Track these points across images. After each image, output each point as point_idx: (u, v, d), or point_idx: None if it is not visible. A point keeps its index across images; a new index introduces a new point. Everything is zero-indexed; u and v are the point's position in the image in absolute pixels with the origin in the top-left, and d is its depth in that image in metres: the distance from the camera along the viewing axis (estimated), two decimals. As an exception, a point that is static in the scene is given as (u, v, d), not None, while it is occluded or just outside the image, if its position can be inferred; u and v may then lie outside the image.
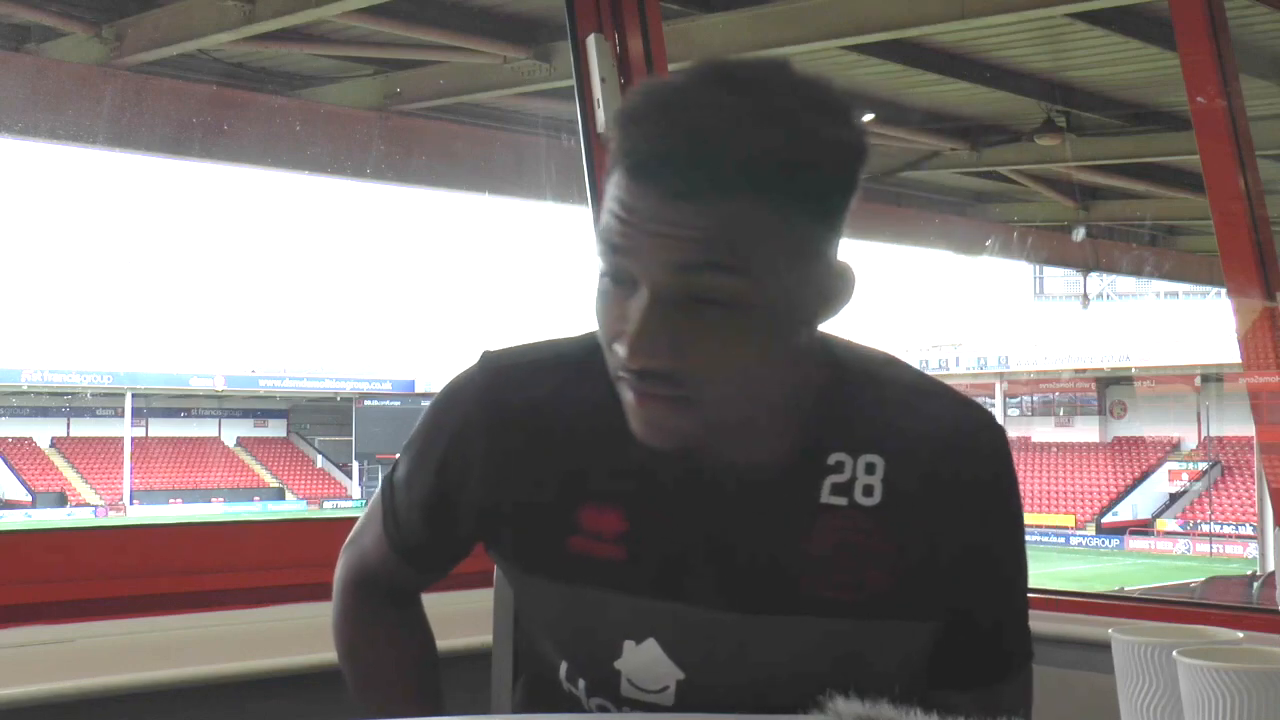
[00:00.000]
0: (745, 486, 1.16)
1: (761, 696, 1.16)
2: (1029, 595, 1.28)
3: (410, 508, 1.27)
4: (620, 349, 1.07)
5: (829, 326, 1.16)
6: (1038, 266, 30.53)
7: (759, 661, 1.16)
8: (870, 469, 1.17)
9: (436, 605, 1.45)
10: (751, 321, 1.06)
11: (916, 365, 1.27)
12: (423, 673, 1.35)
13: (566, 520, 1.18)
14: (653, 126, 1.05)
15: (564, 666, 1.22)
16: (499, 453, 1.20)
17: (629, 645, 1.16)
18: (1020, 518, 1.23)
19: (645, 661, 1.16)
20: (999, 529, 1.21)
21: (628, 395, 1.10)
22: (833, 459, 1.17)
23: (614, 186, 1.07)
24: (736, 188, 1.03)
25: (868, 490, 1.16)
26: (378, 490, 1.33)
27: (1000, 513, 1.21)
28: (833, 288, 1.11)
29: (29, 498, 32.79)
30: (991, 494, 1.20)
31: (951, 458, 1.18)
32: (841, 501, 1.16)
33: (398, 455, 1.31)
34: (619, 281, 1.08)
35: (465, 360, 1.29)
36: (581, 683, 1.21)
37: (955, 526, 1.17)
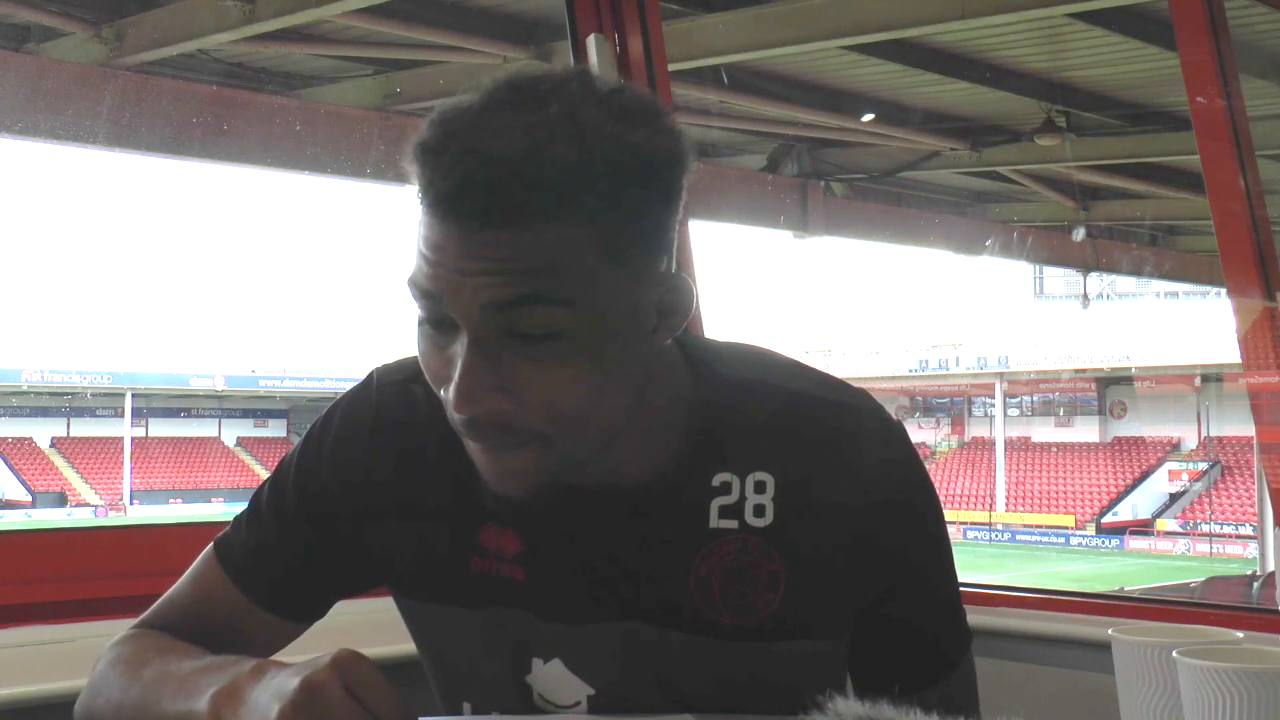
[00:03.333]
0: (632, 510, 1.11)
1: (675, 706, 1.14)
2: (961, 589, 1.23)
3: (284, 539, 1.18)
4: (447, 396, 1.00)
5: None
6: (1038, 266, 30.58)
7: (668, 678, 1.13)
8: (760, 488, 1.11)
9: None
10: (583, 349, 0.98)
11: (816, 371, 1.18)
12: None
13: (468, 541, 1.13)
14: (449, 156, 0.95)
15: (468, 707, 1.19)
16: (393, 474, 1.15)
17: (537, 663, 1.14)
18: (933, 511, 1.17)
19: (554, 678, 1.14)
20: (908, 532, 1.15)
21: (471, 448, 1.03)
22: (718, 479, 1.11)
23: (421, 224, 0.98)
24: (543, 211, 0.95)
25: (759, 510, 1.11)
26: (209, 550, 1.22)
27: (907, 515, 1.14)
28: (669, 302, 1.04)
29: (29, 498, 32.81)
30: (894, 498, 1.13)
31: (847, 469, 1.11)
32: (732, 525, 1.11)
33: (264, 484, 1.21)
34: (438, 326, 1.00)
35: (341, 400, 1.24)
36: (492, 702, 1.17)
37: (859, 540, 1.11)
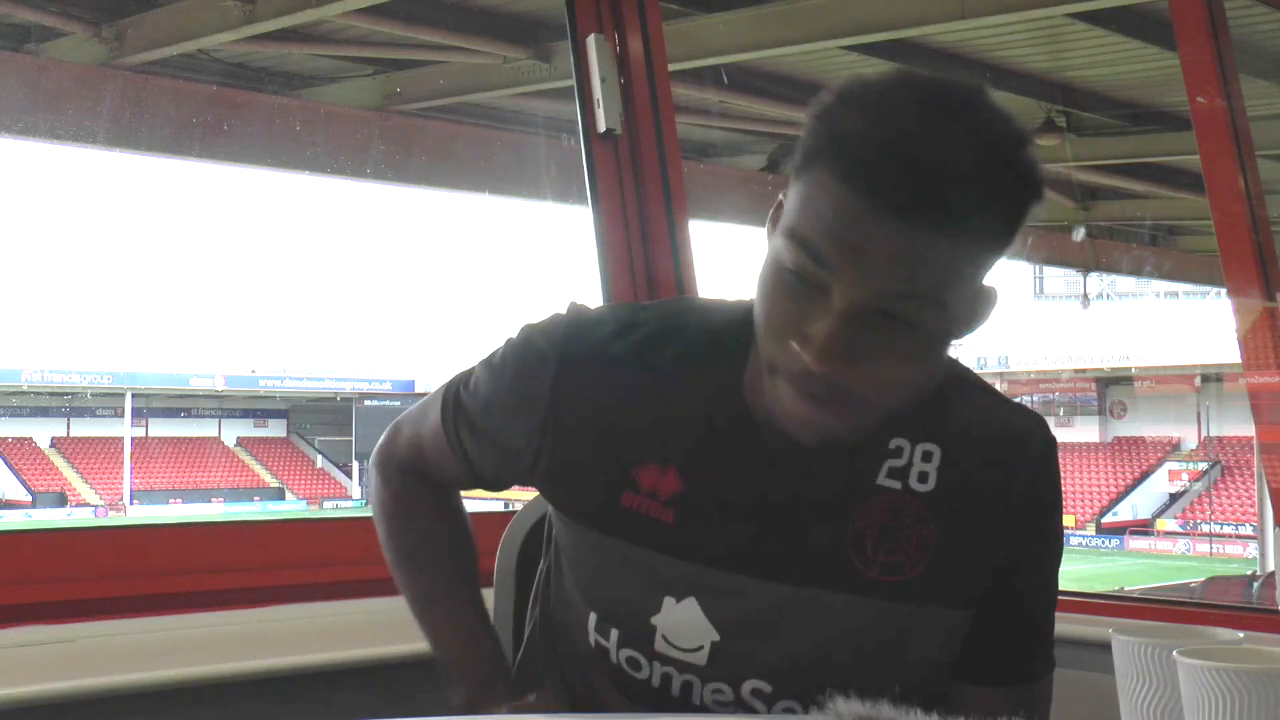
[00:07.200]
0: (805, 462, 1.18)
1: (793, 667, 1.19)
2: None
3: (478, 436, 1.29)
4: (798, 348, 1.08)
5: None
6: (1038, 266, 30.52)
7: (794, 633, 1.19)
8: (927, 457, 1.20)
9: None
10: (929, 341, 1.10)
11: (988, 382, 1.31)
12: (463, 555, 1.40)
13: (624, 475, 1.20)
14: (883, 143, 1.03)
15: (593, 617, 1.24)
16: (567, 402, 1.22)
17: (668, 602, 1.19)
18: (1061, 522, 1.26)
19: (683, 620, 1.19)
20: (1043, 529, 1.25)
21: (788, 391, 1.11)
22: (894, 443, 1.20)
23: (825, 189, 1.05)
24: (964, 223, 1.05)
25: (922, 477, 1.20)
26: (441, 391, 1.33)
27: (1047, 515, 1.24)
28: (979, 309, 1.15)
29: (29, 498, 32.77)
30: (1041, 495, 1.24)
31: (1006, 455, 1.22)
32: (896, 485, 1.20)
33: (472, 369, 1.31)
34: (807, 281, 1.07)
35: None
36: (614, 634, 1.23)
37: (1003, 522, 1.21)
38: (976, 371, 1.31)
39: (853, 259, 1.04)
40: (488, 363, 1.30)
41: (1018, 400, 1.29)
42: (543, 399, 1.23)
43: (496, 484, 1.34)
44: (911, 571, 1.19)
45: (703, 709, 1.21)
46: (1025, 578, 1.24)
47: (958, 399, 1.23)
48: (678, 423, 1.19)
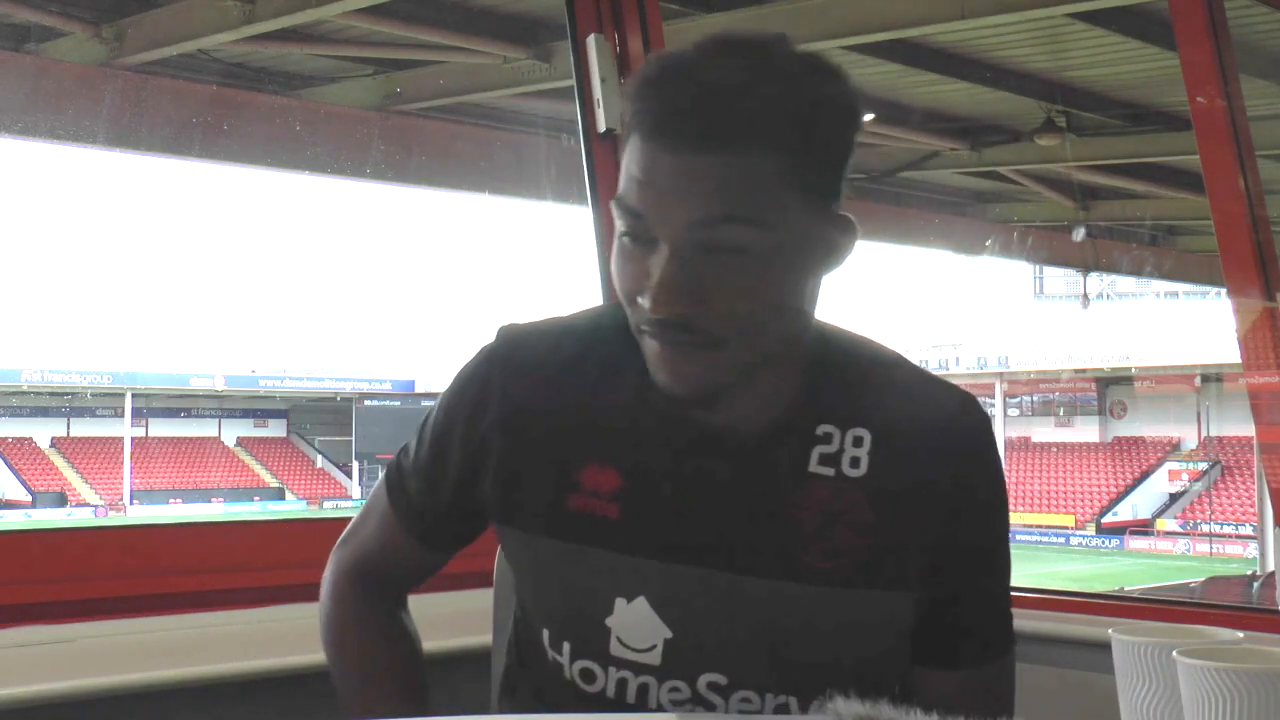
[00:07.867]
0: (737, 451, 1.20)
1: (745, 657, 1.19)
2: (1011, 591, 1.30)
3: (431, 479, 1.30)
4: (643, 301, 1.12)
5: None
6: (1038, 266, 30.56)
7: (742, 624, 1.19)
8: (858, 442, 1.20)
9: (436, 605, 1.45)
10: (765, 268, 1.11)
11: (916, 363, 1.30)
12: (409, 673, 1.35)
13: (568, 479, 1.21)
14: (667, 88, 1.10)
15: (546, 633, 1.25)
16: (511, 415, 1.24)
17: (620, 603, 1.20)
18: (1003, 500, 1.26)
19: (635, 619, 1.19)
20: (981, 508, 1.24)
21: (652, 346, 1.14)
22: (821, 430, 1.20)
23: (632, 150, 1.12)
24: (748, 141, 1.09)
25: (854, 462, 1.20)
26: (381, 479, 1.36)
27: (983, 492, 1.24)
28: (836, 240, 1.17)
29: (29, 498, 32.78)
30: (974, 473, 1.23)
31: (937, 436, 1.22)
32: (829, 472, 1.20)
33: (416, 434, 1.33)
34: (638, 240, 1.13)
35: (465, 360, 1.32)
36: (566, 646, 1.23)
37: (939, 503, 1.20)
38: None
39: (659, 199, 1.10)
40: (422, 421, 1.32)
41: (970, 394, 1.28)
42: (490, 412, 1.24)
43: (448, 539, 1.34)
44: (852, 557, 1.18)
45: (660, 711, 1.21)
46: (971, 556, 1.24)
47: (885, 382, 1.24)
48: (614, 422, 1.21)
